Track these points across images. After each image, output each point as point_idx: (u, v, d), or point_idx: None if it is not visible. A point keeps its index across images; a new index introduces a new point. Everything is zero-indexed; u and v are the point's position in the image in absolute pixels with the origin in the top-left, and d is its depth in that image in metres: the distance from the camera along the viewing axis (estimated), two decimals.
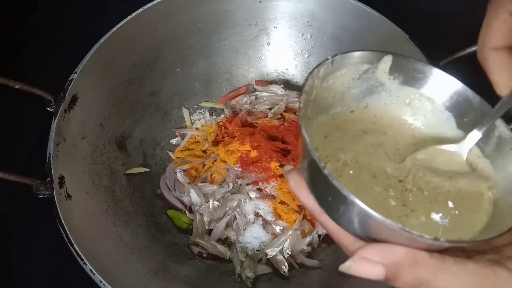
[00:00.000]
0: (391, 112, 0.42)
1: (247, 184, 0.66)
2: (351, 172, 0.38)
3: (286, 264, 0.62)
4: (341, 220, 0.34)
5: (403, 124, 0.42)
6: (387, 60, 0.39)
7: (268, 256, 0.62)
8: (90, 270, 0.48)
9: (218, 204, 0.65)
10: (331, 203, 0.33)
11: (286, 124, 0.71)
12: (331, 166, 0.38)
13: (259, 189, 0.66)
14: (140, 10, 0.64)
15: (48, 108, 0.56)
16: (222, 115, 0.77)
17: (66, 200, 0.53)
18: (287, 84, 0.79)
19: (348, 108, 0.41)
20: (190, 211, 0.67)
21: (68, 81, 0.58)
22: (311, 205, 0.35)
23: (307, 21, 0.72)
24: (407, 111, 0.41)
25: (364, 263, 0.30)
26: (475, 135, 0.37)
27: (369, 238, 0.33)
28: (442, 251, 0.31)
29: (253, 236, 0.63)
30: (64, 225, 0.50)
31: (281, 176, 0.65)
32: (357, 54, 0.39)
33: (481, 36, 0.39)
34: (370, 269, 0.30)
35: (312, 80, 0.37)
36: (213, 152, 0.70)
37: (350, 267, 0.30)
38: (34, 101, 0.56)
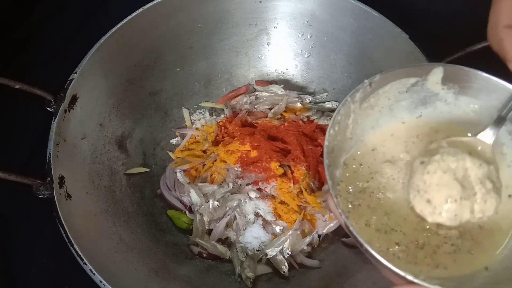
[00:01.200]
0: (448, 121, 0.41)
1: (247, 184, 0.66)
2: (400, 184, 0.38)
3: (286, 264, 0.62)
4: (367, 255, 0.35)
5: (458, 130, 0.41)
6: (438, 72, 0.39)
7: (268, 256, 0.62)
8: (90, 270, 0.48)
9: (218, 204, 0.65)
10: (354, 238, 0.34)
11: (286, 124, 0.71)
12: (372, 184, 0.38)
13: (259, 189, 0.66)
14: (140, 10, 0.64)
15: (48, 108, 0.56)
16: (222, 115, 0.77)
17: (66, 200, 0.53)
18: (287, 84, 0.79)
19: (399, 119, 0.41)
20: (190, 211, 0.67)
21: (68, 81, 0.58)
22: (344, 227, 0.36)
23: (307, 21, 0.72)
24: (467, 119, 0.40)
25: None
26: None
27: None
28: None
29: (253, 236, 0.63)
30: (64, 225, 0.50)
31: (281, 176, 0.65)
32: (398, 71, 0.38)
33: (492, 17, 0.37)
34: None
35: (346, 107, 0.37)
36: (213, 152, 0.70)
37: None
38: (34, 101, 0.56)
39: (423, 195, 0.34)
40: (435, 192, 0.33)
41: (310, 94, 0.77)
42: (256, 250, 0.63)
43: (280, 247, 0.62)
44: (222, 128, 0.74)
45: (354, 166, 0.39)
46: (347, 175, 0.39)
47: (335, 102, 0.76)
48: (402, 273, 0.30)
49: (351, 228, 0.32)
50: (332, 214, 0.65)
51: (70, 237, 0.49)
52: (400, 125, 0.41)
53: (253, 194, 0.65)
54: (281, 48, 0.77)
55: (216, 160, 0.69)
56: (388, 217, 0.36)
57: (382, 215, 0.36)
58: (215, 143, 0.72)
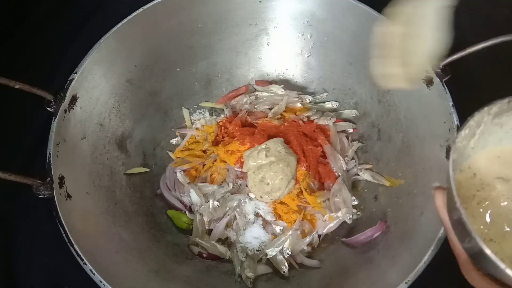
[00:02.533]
0: None
1: (247, 184, 0.66)
2: (503, 203, 0.38)
3: (286, 264, 0.62)
4: (467, 250, 0.36)
5: None
6: None
7: (268, 256, 0.62)
8: (90, 270, 0.48)
9: (218, 204, 0.65)
10: (463, 234, 0.34)
11: (286, 124, 0.71)
12: (482, 194, 0.39)
13: None
14: (140, 10, 0.64)
15: (48, 108, 0.56)
16: (222, 115, 0.77)
17: (66, 200, 0.53)
18: (287, 84, 0.78)
19: None
20: (190, 211, 0.67)
21: (68, 81, 0.58)
22: (445, 223, 0.38)
23: (307, 21, 0.72)
24: None
25: None
26: None
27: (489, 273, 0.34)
28: None
29: (253, 236, 0.63)
30: (64, 225, 0.50)
31: None
32: None
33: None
34: None
35: (481, 116, 0.37)
36: (213, 152, 0.70)
37: None
38: (34, 101, 0.56)
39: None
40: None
41: (310, 94, 0.77)
42: (256, 250, 0.63)
43: (280, 247, 0.62)
44: (222, 128, 0.74)
45: (468, 174, 0.40)
46: (460, 180, 0.39)
47: (335, 102, 0.76)
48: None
49: (467, 222, 0.32)
50: (331, 214, 0.65)
51: (70, 237, 0.49)
52: None
53: (252, 194, 0.65)
54: (281, 48, 0.77)
55: (216, 160, 0.69)
56: (489, 229, 0.37)
57: (482, 224, 0.38)
58: (215, 143, 0.72)
